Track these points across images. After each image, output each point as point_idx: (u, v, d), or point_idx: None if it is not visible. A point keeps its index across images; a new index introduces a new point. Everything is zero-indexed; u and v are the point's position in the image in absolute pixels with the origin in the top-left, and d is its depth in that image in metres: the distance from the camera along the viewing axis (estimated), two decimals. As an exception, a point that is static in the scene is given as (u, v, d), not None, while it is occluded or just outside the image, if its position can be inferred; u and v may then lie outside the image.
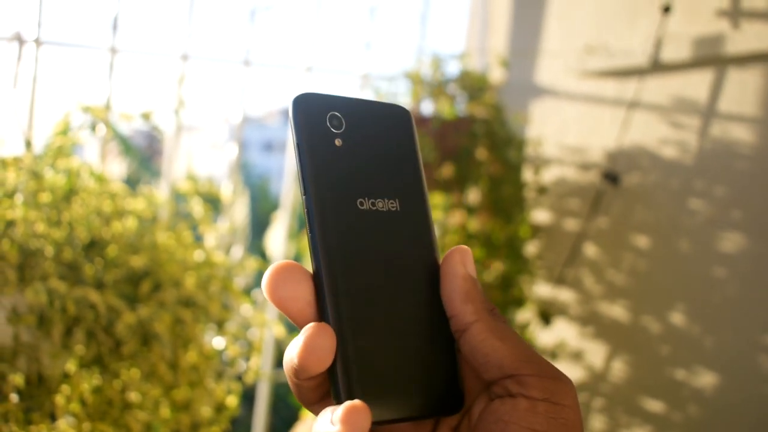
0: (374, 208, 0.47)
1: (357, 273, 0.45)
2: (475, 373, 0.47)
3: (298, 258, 2.38)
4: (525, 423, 0.41)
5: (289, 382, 0.45)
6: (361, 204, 0.46)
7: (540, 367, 0.42)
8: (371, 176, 0.48)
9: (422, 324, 0.46)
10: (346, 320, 0.43)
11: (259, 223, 8.54)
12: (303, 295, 0.44)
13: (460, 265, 0.46)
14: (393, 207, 0.48)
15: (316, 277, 0.44)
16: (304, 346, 0.41)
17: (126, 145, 7.36)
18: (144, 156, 7.94)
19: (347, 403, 0.39)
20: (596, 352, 2.00)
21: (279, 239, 2.34)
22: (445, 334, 0.46)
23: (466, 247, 0.47)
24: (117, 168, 7.26)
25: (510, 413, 0.41)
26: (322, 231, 0.45)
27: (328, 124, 0.47)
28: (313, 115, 0.47)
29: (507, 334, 0.44)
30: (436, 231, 2.10)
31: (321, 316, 0.44)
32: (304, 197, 0.46)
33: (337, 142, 0.47)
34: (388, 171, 0.49)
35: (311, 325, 0.42)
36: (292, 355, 0.42)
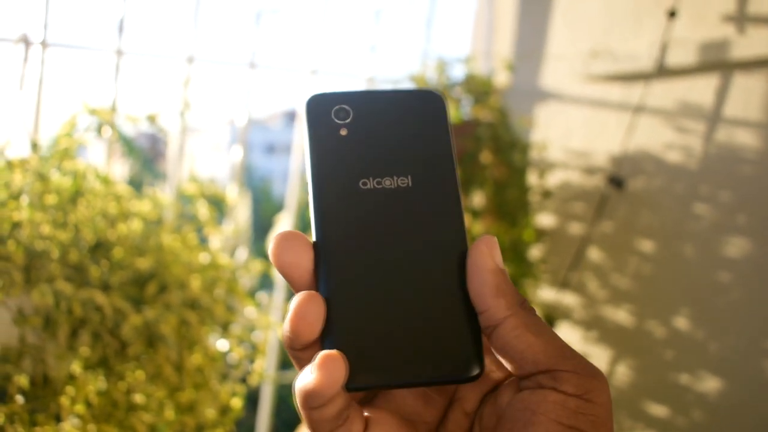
0: (380, 186, 0.47)
1: (353, 245, 0.46)
2: (507, 367, 0.46)
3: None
4: (553, 415, 0.40)
5: (290, 357, 0.46)
6: (364, 184, 0.47)
7: (577, 364, 0.42)
8: (379, 158, 0.48)
9: (430, 293, 0.45)
10: (336, 287, 0.45)
11: (262, 226, 8.54)
12: (304, 263, 0.45)
13: (489, 257, 0.45)
14: (404, 183, 0.47)
15: (315, 248, 0.46)
16: (294, 312, 0.43)
17: (129, 147, 7.36)
18: (147, 158, 7.94)
19: (324, 351, 0.41)
20: (600, 357, 1.99)
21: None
22: (460, 302, 0.45)
23: (492, 236, 0.46)
24: (120, 170, 7.27)
25: (539, 404, 0.41)
26: (318, 207, 0.47)
27: (333, 116, 0.49)
28: (321, 111, 0.49)
29: (541, 328, 0.43)
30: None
31: (317, 284, 0.45)
32: (308, 187, 0.48)
33: (342, 131, 0.49)
34: (401, 151, 0.48)
35: (302, 292, 0.44)
36: (285, 323, 0.44)
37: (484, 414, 0.47)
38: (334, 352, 0.42)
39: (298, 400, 0.43)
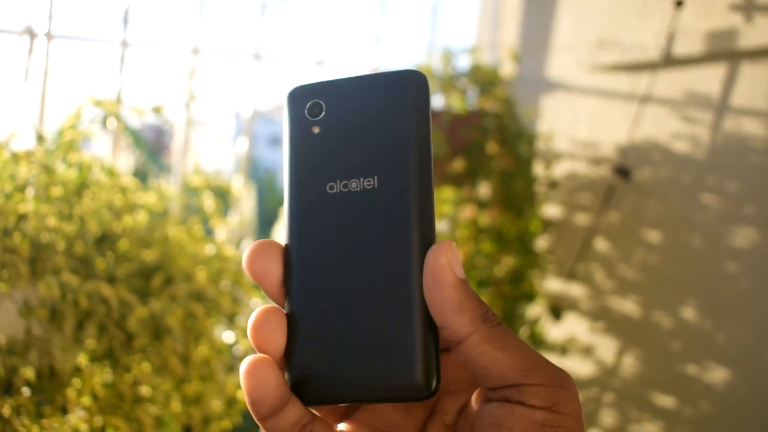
0: (345, 190, 0.45)
1: (317, 254, 0.45)
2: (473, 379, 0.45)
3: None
4: (519, 430, 0.40)
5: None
6: (331, 188, 0.46)
7: (543, 375, 0.41)
8: (347, 158, 0.46)
9: (386, 305, 0.43)
10: (298, 300, 0.44)
11: (266, 218, 8.54)
12: (273, 273, 0.45)
13: (448, 270, 0.42)
14: (369, 185, 0.45)
15: (284, 256, 0.46)
16: (252, 327, 0.44)
17: (135, 138, 7.37)
18: (152, 150, 7.94)
19: (249, 357, 0.42)
20: (607, 347, 1.99)
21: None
22: (415, 316, 0.42)
23: (450, 242, 0.43)
24: (126, 161, 7.27)
25: (505, 418, 0.40)
26: (289, 212, 0.46)
27: (307, 113, 0.48)
28: (297, 107, 0.48)
29: (507, 341, 0.42)
30: (445, 224, 2.10)
31: (285, 294, 0.45)
32: (284, 190, 0.47)
33: (314, 129, 0.47)
34: (370, 148, 0.46)
35: (260, 308, 0.44)
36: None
37: (458, 426, 0.46)
38: (259, 356, 0.42)
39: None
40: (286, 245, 0.46)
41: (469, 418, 0.45)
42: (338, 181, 0.46)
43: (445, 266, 0.42)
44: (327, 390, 0.43)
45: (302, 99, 0.48)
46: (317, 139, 0.47)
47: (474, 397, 0.45)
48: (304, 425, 0.43)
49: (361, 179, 0.45)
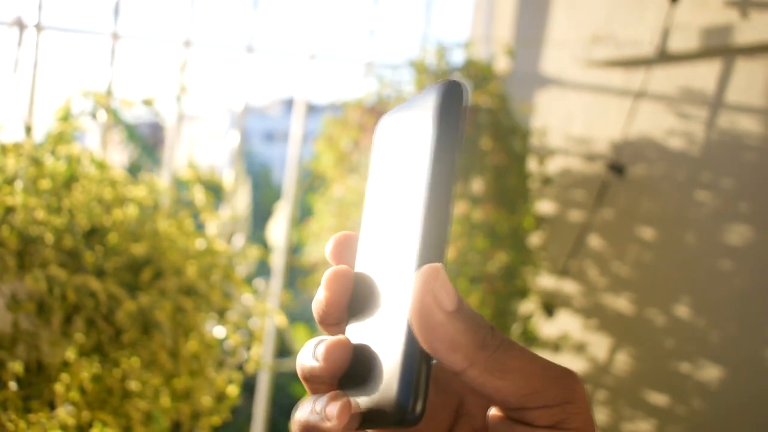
0: (386, 208, 0.47)
1: (363, 266, 0.47)
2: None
3: (299, 247, 2.37)
4: None
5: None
6: (378, 210, 0.48)
7: (547, 397, 0.40)
8: (391, 179, 0.47)
9: (386, 329, 0.42)
10: (351, 317, 0.46)
11: (261, 213, 8.53)
12: (341, 300, 0.47)
13: (435, 308, 0.39)
14: (398, 203, 0.45)
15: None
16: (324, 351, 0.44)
17: (130, 131, 7.35)
18: (147, 145, 7.92)
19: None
20: (600, 345, 1.99)
21: (281, 229, 2.32)
22: (403, 344, 0.41)
23: (436, 269, 0.40)
24: (119, 156, 7.26)
25: None
26: (361, 235, 0.49)
27: (384, 138, 0.50)
28: (377, 134, 0.52)
29: (507, 366, 0.40)
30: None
31: None
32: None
33: (383, 151, 0.50)
34: (406, 169, 0.45)
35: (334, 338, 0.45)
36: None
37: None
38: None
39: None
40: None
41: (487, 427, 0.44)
42: (382, 204, 0.47)
43: (431, 305, 0.39)
44: None
45: (380, 125, 0.51)
46: (380, 163, 0.49)
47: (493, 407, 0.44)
48: None
49: (396, 199, 0.45)
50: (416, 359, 0.41)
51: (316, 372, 0.43)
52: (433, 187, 0.42)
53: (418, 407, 0.40)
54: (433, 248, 0.42)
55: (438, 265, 0.40)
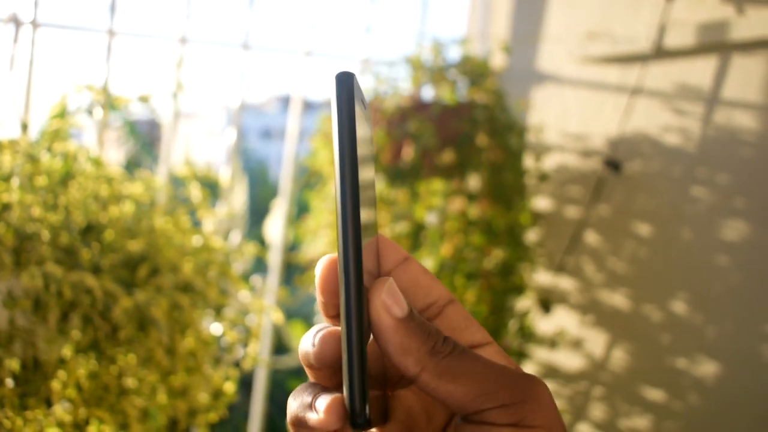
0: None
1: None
2: None
3: (295, 244, 2.37)
4: None
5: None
6: None
7: (501, 396, 0.40)
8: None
9: (344, 334, 0.41)
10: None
11: (258, 210, 8.52)
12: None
13: (384, 314, 0.41)
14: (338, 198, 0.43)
15: None
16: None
17: (130, 127, 7.34)
18: (146, 142, 7.92)
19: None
20: (596, 341, 1.99)
21: (278, 226, 2.32)
22: (347, 347, 0.41)
23: (384, 281, 0.42)
24: (117, 154, 7.25)
25: None
26: None
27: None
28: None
29: (458, 370, 0.41)
30: (434, 216, 2.09)
31: None
32: None
33: None
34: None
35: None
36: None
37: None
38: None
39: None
40: None
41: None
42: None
43: (380, 310, 0.41)
44: None
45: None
46: None
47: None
48: None
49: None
50: (356, 366, 0.41)
51: (311, 358, 0.43)
52: (347, 196, 0.42)
53: (363, 414, 0.41)
54: (342, 245, 0.41)
55: (386, 278, 0.43)
